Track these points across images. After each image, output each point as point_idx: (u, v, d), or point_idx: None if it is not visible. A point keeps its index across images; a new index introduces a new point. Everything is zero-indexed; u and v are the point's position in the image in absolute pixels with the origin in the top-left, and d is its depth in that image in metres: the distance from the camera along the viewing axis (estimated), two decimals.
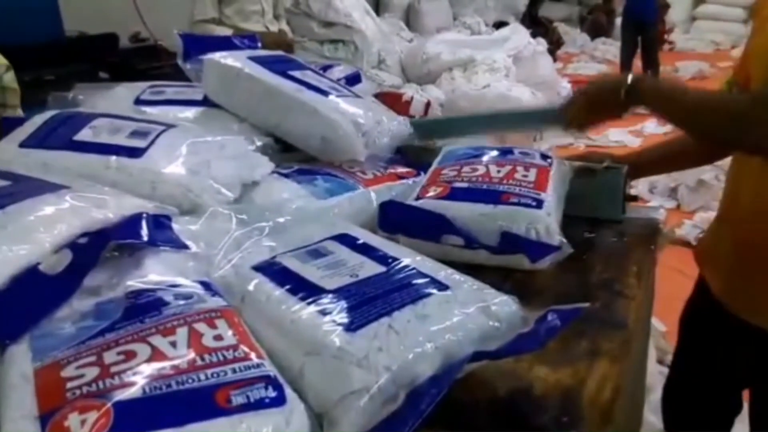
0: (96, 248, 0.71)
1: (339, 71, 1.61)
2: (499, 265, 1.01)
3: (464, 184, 1.09)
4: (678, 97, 1.11)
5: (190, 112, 1.27)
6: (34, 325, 0.64)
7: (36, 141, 1.02)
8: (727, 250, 1.17)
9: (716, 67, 7.61)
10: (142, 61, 3.48)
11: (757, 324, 1.11)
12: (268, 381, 0.59)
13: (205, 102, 1.29)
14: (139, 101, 1.30)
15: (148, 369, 0.57)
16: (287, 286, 0.73)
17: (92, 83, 1.51)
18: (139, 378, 0.56)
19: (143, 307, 0.65)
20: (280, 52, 1.44)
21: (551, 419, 0.71)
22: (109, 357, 0.59)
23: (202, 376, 0.57)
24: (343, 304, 0.69)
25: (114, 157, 0.96)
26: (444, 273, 0.79)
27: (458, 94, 4.60)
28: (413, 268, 0.78)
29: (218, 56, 1.27)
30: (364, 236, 0.87)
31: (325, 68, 1.56)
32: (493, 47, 5.28)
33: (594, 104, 1.19)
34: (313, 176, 1.12)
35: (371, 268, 0.76)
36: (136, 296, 0.67)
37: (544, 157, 1.19)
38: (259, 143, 1.17)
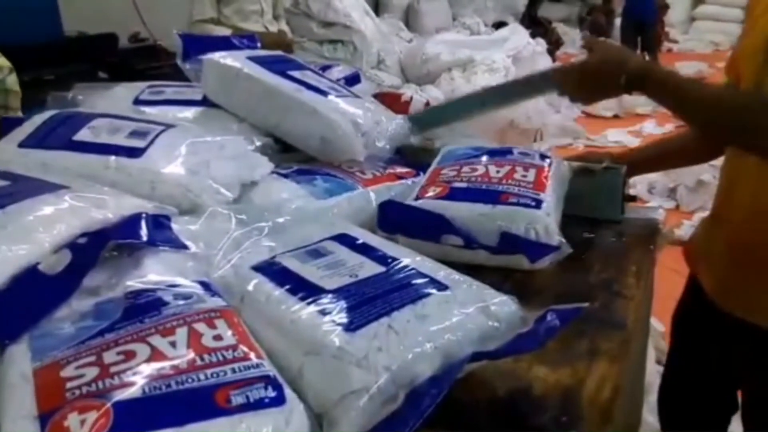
0: (95, 248, 0.71)
1: (338, 71, 1.61)
2: (499, 265, 1.01)
3: (463, 184, 1.09)
4: (689, 95, 1.08)
5: (189, 112, 1.27)
6: (34, 325, 0.64)
7: (35, 141, 1.02)
8: (721, 250, 1.17)
9: (715, 67, 7.61)
10: (142, 61, 3.48)
11: (752, 321, 1.11)
12: (268, 381, 0.59)
13: (205, 102, 1.29)
14: (138, 101, 1.30)
15: (148, 369, 0.57)
16: (287, 286, 0.73)
17: (91, 83, 1.51)
18: (139, 378, 0.56)
19: (143, 307, 0.65)
20: (279, 52, 1.44)
21: (551, 419, 0.71)
22: (109, 357, 0.59)
23: (202, 376, 0.57)
24: (343, 304, 0.69)
25: (113, 157, 0.96)
26: (443, 273, 0.79)
27: (457, 94, 4.60)
28: (413, 268, 0.78)
29: (218, 56, 1.27)
30: (364, 236, 0.87)
31: (325, 68, 1.56)
32: (493, 48, 5.29)
33: (590, 82, 1.15)
34: (312, 176, 1.12)
35: (371, 268, 0.76)
36: (136, 296, 0.67)
37: (543, 157, 1.19)
38: (258, 143, 1.17)
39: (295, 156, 1.23)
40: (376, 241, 0.87)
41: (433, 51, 5.04)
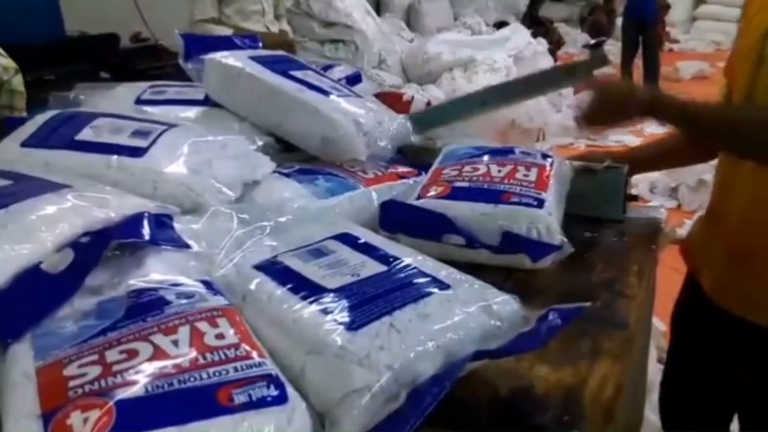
0: (98, 247, 0.71)
1: (339, 71, 1.61)
2: (501, 264, 1.01)
3: (465, 184, 1.09)
4: (701, 118, 1.10)
5: (191, 112, 1.27)
6: (36, 324, 0.64)
7: (38, 140, 1.02)
8: (718, 248, 1.17)
9: (716, 67, 7.60)
10: (143, 61, 3.48)
11: (750, 319, 1.11)
12: (270, 380, 0.59)
13: (206, 102, 1.29)
14: (140, 101, 1.31)
15: (150, 368, 0.57)
16: (288, 285, 0.73)
17: (93, 83, 1.51)
18: (141, 376, 0.56)
19: (145, 306, 0.65)
20: (281, 52, 1.44)
21: (552, 418, 0.71)
22: (111, 356, 0.59)
23: (204, 375, 0.57)
24: (345, 303, 0.69)
25: (115, 157, 0.96)
26: (445, 272, 0.79)
27: (459, 94, 4.60)
28: (414, 268, 0.78)
29: (219, 56, 1.27)
30: (365, 235, 0.87)
31: (326, 68, 1.56)
32: (494, 47, 5.29)
33: (604, 110, 1.17)
34: (314, 176, 1.12)
35: (372, 268, 0.76)
36: (138, 295, 0.67)
37: (545, 156, 1.19)
38: (260, 143, 1.17)
39: (296, 155, 1.23)
40: (378, 240, 0.87)
41: (434, 51, 5.04)
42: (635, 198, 1.33)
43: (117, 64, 3.42)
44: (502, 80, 4.73)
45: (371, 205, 1.10)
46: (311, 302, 0.69)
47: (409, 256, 0.81)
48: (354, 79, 1.58)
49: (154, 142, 1.00)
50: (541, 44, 5.92)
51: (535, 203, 1.03)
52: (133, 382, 0.56)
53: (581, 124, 1.21)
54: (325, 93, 1.22)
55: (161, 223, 0.80)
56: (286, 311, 0.69)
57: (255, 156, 1.11)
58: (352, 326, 0.66)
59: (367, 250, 0.81)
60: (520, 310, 0.74)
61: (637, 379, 1.35)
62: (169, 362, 0.58)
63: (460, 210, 1.03)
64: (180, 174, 0.96)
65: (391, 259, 0.79)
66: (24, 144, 1.01)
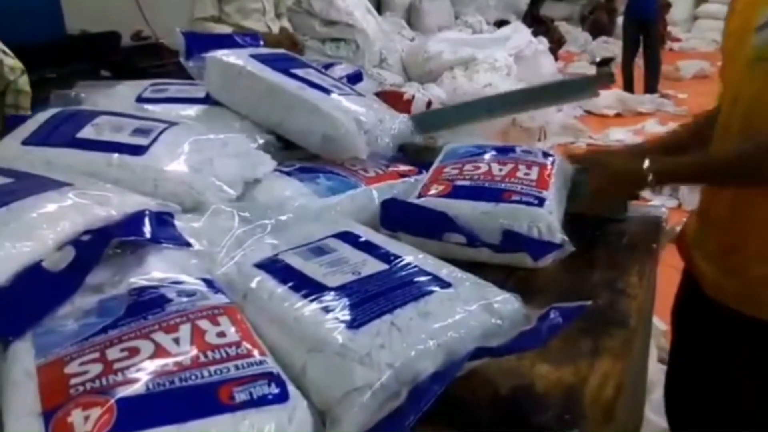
0: (99, 245, 0.71)
1: (340, 70, 1.61)
2: (502, 263, 1.01)
3: (466, 182, 1.09)
4: (692, 177, 1.21)
5: (192, 110, 1.27)
6: (37, 322, 0.64)
7: (39, 138, 1.02)
8: (712, 245, 1.17)
9: (717, 66, 7.56)
10: (144, 60, 3.48)
11: (747, 313, 1.11)
12: (271, 378, 0.59)
13: (207, 100, 1.29)
14: (141, 99, 1.31)
15: (152, 366, 0.57)
16: (289, 284, 0.73)
17: (94, 81, 1.51)
18: (143, 374, 0.56)
19: (146, 304, 0.65)
20: (282, 51, 1.44)
21: (553, 417, 0.71)
22: (112, 354, 0.59)
23: (205, 373, 0.57)
24: (346, 301, 0.69)
25: (116, 155, 0.97)
26: (446, 271, 0.79)
27: (460, 93, 4.60)
28: (415, 266, 0.78)
29: (221, 54, 1.27)
30: (366, 234, 0.87)
31: (327, 67, 1.56)
32: (495, 46, 5.28)
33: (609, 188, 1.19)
34: (315, 174, 1.12)
35: (373, 266, 0.77)
36: (139, 293, 0.67)
37: (546, 155, 1.19)
38: (261, 141, 1.17)
39: (297, 154, 1.23)
40: (379, 238, 0.87)
41: (435, 49, 5.03)
42: (636, 197, 1.33)
43: (118, 63, 3.42)
44: (503, 79, 4.74)
45: (372, 203, 1.10)
46: (312, 300, 0.69)
47: (410, 255, 0.81)
48: (355, 78, 1.58)
49: (155, 140, 1.00)
50: (542, 43, 5.91)
51: (535, 202, 1.03)
52: (134, 380, 0.56)
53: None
54: (326, 91, 1.22)
55: (162, 221, 0.80)
56: (287, 309, 0.69)
57: (256, 154, 1.11)
58: (353, 324, 0.66)
59: (368, 248, 0.81)
60: (521, 309, 0.74)
61: (637, 379, 1.35)
62: (170, 360, 0.58)
63: (461, 208, 1.03)
64: (181, 172, 0.96)
65: (392, 258, 0.79)
66: (25, 142, 1.01)
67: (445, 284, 0.75)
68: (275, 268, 0.76)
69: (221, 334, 0.62)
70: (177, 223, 0.82)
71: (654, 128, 5.22)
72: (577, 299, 0.73)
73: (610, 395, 0.76)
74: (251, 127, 1.22)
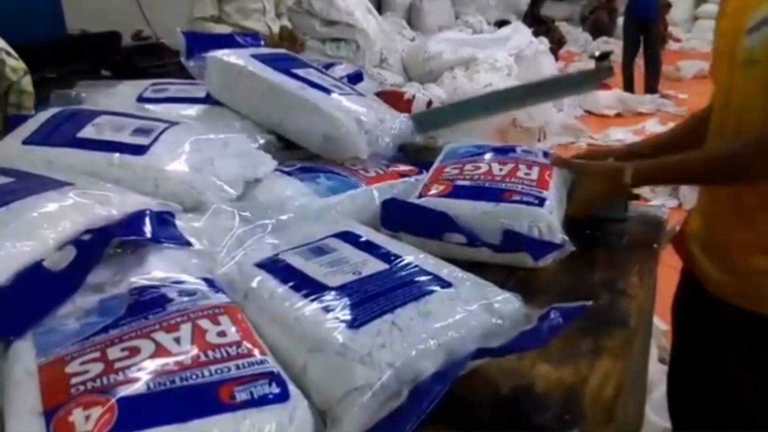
0: (99, 245, 0.71)
1: (341, 70, 1.61)
2: (502, 263, 1.01)
3: (466, 182, 1.09)
4: (674, 178, 1.27)
5: (192, 110, 1.27)
6: (38, 322, 0.64)
7: (39, 138, 1.02)
8: (713, 243, 1.17)
9: None
10: (145, 59, 3.48)
11: (746, 308, 1.11)
12: (272, 377, 0.59)
13: (208, 100, 1.29)
14: (141, 99, 1.31)
15: (152, 365, 0.57)
16: (290, 283, 0.73)
17: (95, 81, 1.51)
18: (143, 374, 0.56)
19: (147, 304, 0.66)
20: (283, 51, 1.44)
21: (553, 417, 0.71)
22: (113, 353, 0.59)
23: (206, 373, 0.57)
24: (346, 301, 0.69)
25: (117, 155, 0.97)
26: (447, 270, 0.79)
27: (460, 93, 4.59)
28: (416, 266, 0.78)
29: (221, 54, 1.27)
30: (367, 234, 0.87)
31: (327, 67, 1.57)
32: (495, 46, 5.28)
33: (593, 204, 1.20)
34: (315, 174, 1.12)
35: (374, 266, 0.77)
36: (140, 293, 0.67)
37: (546, 155, 1.19)
38: (261, 141, 1.17)
39: (298, 154, 1.23)
40: (380, 238, 0.87)
41: (435, 49, 5.03)
42: (636, 197, 1.32)
43: (118, 62, 3.42)
44: (504, 79, 4.74)
45: (373, 203, 1.10)
46: (313, 300, 0.69)
47: (411, 255, 0.81)
48: (355, 78, 1.58)
49: (155, 140, 1.00)
50: (543, 43, 5.91)
51: (536, 202, 1.03)
52: (135, 380, 0.56)
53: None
54: (327, 91, 1.22)
55: (163, 220, 0.80)
56: (288, 309, 0.69)
57: (256, 154, 1.11)
58: (354, 324, 0.66)
59: (369, 248, 0.81)
60: (522, 309, 0.74)
61: (638, 379, 1.36)
62: (170, 360, 0.58)
63: (462, 208, 1.03)
64: (181, 172, 0.96)
65: (392, 258, 0.79)
66: (26, 141, 1.01)
67: (446, 284, 0.75)
68: (276, 267, 0.76)
69: (222, 334, 0.62)
70: (178, 222, 0.82)
71: (654, 128, 5.21)
72: (577, 299, 0.73)
73: (611, 395, 0.76)
74: (252, 127, 1.22)
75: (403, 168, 1.25)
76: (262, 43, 1.54)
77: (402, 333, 0.66)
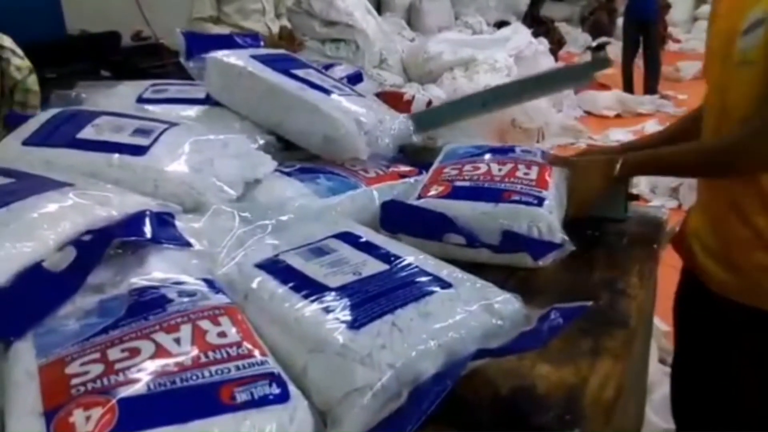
0: (100, 246, 0.71)
1: (340, 70, 1.61)
2: (502, 263, 1.01)
3: (465, 183, 1.09)
4: (665, 169, 1.25)
5: (192, 111, 1.27)
6: (38, 322, 0.64)
7: (39, 139, 1.02)
8: (713, 240, 1.17)
9: None
10: (144, 60, 3.48)
11: (752, 305, 1.11)
12: (272, 378, 0.59)
13: (208, 100, 1.29)
14: (141, 99, 1.31)
15: (153, 366, 0.57)
16: (290, 284, 0.73)
17: (94, 81, 1.51)
18: (144, 375, 0.56)
19: (147, 305, 0.65)
20: (282, 51, 1.44)
21: (554, 417, 0.71)
22: (114, 354, 0.59)
23: (206, 373, 0.57)
24: (347, 301, 0.69)
25: (117, 155, 0.97)
26: (446, 271, 0.79)
27: (460, 93, 4.60)
28: (416, 267, 0.78)
29: (221, 55, 1.27)
30: (367, 234, 0.87)
31: (327, 67, 1.57)
32: (495, 47, 5.28)
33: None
34: (315, 175, 1.12)
35: (374, 266, 0.77)
36: (140, 293, 0.67)
37: (545, 154, 1.19)
38: (261, 141, 1.17)
39: (297, 154, 1.23)
40: (380, 239, 0.87)
41: (435, 50, 5.04)
42: (636, 197, 1.33)
43: (118, 63, 3.42)
44: (503, 80, 4.75)
45: (372, 204, 1.10)
46: (313, 301, 0.69)
47: (411, 255, 0.81)
48: (355, 79, 1.58)
49: (155, 140, 1.00)
50: (542, 44, 5.92)
51: (535, 202, 1.03)
52: (136, 380, 0.56)
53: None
54: (327, 92, 1.22)
55: (163, 221, 0.80)
56: (288, 310, 0.69)
57: (256, 155, 1.11)
58: (354, 325, 0.66)
59: (369, 248, 0.81)
60: (522, 309, 0.74)
61: (638, 379, 1.35)
62: (171, 360, 0.58)
63: (461, 209, 1.03)
64: (181, 172, 0.96)
65: (392, 258, 0.79)
66: (26, 142, 1.01)
67: (446, 285, 0.75)
68: (276, 268, 0.76)
69: (222, 335, 0.62)
70: (177, 223, 0.82)
71: (654, 129, 5.20)
72: (577, 299, 0.73)
73: (611, 396, 0.76)
74: (251, 128, 1.22)
75: (402, 168, 1.25)
76: (262, 43, 1.54)
77: (402, 334, 0.66)
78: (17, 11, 2.98)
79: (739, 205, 1.10)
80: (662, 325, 2.05)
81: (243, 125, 1.23)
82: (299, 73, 1.26)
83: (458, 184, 1.09)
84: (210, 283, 0.72)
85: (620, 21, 7.41)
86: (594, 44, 7.55)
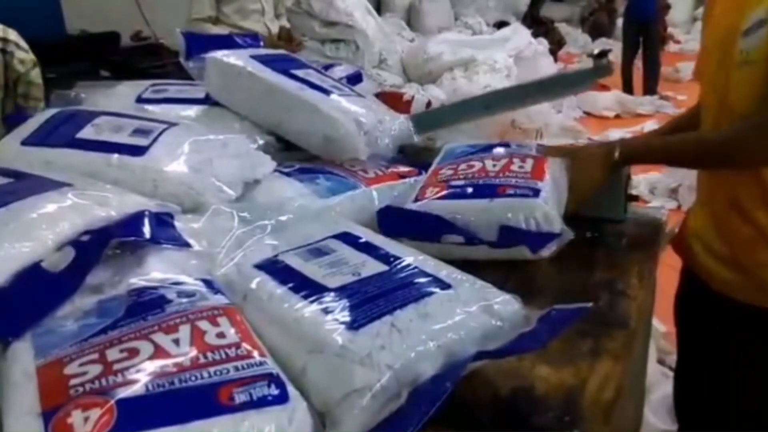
0: (98, 246, 0.71)
1: (340, 71, 1.61)
2: (501, 258, 1.01)
3: (461, 182, 1.08)
4: (663, 157, 1.25)
5: (191, 111, 1.27)
6: (37, 323, 0.64)
7: (38, 139, 1.02)
8: (714, 239, 1.17)
9: None
10: (144, 60, 3.48)
11: (753, 303, 1.11)
12: (271, 379, 0.59)
13: (207, 100, 1.29)
14: (140, 99, 1.31)
15: (151, 366, 0.57)
16: (289, 285, 0.73)
17: (94, 81, 1.51)
18: (142, 375, 0.56)
19: (146, 305, 0.65)
20: (282, 51, 1.44)
21: (553, 419, 0.71)
22: (112, 354, 0.59)
23: (205, 374, 0.57)
24: (346, 302, 0.69)
25: (116, 155, 0.96)
26: (446, 272, 0.79)
27: (459, 94, 4.60)
28: (415, 267, 0.78)
29: (220, 55, 1.27)
30: (366, 235, 0.87)
31: (327, 68, 1.56)
32: (494, 47, 5.28)
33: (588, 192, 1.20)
34: (314, 175, 1.12)
35: (373, 267, 0.76)
36: (139, 294, 0.67)
37: (541, 147, 1.18)
38: (260, 142, 1.17)
39: (297, 154, 1.23)
40: (379, 239, 0.87)
41: (434, 50, 5.04)
42: (635, 198, 1.33)
43: (118, 63, 3.42)
44: (503, 80, 4.75)
45: (372, 204, 1.10)
46: (312, 301, 0.69)
47: (410, 256, 0.81)
48: (355, 79, 1.58)
49: (154, 140, 1.00)
50: (542, 44, 5.92)
51: (531, 193, 1.02)
52: (134, 381, 0.56)
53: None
54: (326, 92, 1.22)
55: (162, 221, 0.80)
56: (287, 310, 0.69)
57: (256, 155, 1.11)
58: (353, 325, 0.66)
59: (368, 249, 0.81)
60: (521, 310, 0.74)
61: (637, 380, 1.35)
62: (169, 361, 0.58)
63: (457, 209, 1.02)
64: (181, 173, 0.96)
65: (392, 259, 0.79)
66: (25, 142, 1.01)
67: (445, 285, 0.75)
68: (275, 269, 0.76)
69: (221, 335, 0.62)
70: (177, 223, 0.82)
71: (654, 128, 5.21)
72: (576, 300, 0.73)
73: (610, 397, 0.76)
74: (251, 128, 1.22)
75: (402, 169, 1.25)
76: (262, 44, 1.54)
77: (401, 334, 0.65)
78: (17, 11, 2.97)
79: (739, 202, 1.10)
80: (661, 325, 2.05)
81: (242, 125, 1.23)
82: (299, 73, 1.26)
83: (454, 183, 1.09)
84: (209, 283, 0.72)
85: (620, 21, 7.42)
86: (596, 52, 7.55)
